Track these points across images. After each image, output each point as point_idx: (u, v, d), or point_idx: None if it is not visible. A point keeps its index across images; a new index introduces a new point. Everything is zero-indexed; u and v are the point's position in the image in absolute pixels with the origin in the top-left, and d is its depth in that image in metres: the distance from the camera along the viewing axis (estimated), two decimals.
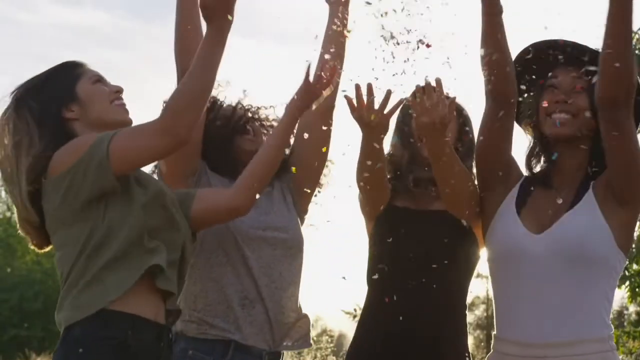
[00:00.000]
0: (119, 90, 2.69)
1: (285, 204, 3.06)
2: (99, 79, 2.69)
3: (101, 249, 2.43)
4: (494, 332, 2.89)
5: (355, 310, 17.50)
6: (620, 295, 11.51)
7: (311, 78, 2.80)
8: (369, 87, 2.77)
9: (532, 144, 2.96)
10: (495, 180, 2.89)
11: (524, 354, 2.72)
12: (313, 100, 2.84)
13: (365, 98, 2.79)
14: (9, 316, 26.91)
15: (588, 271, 2.72)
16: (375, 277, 3.00)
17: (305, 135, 3.03)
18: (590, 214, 2.75)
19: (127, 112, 2.69)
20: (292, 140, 3.05)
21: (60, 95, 2.63)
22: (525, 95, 2.93)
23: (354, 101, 2.80)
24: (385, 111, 2.81)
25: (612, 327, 2.80)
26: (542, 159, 2.94)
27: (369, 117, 2.79)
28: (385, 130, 2.87)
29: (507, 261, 2.81)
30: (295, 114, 2.84)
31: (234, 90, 3.13)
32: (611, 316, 2.82)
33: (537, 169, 2.96)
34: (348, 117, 2.88)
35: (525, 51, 2.95)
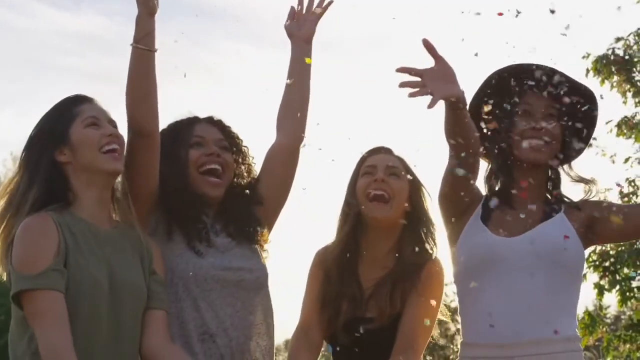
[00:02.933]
0: (112, 134, 2.64)
1: (248, 245, 3.04)
2: (94, 122, 2.63)
3: None
4: (461, 340, 2.94)
5: None
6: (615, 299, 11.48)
7: None
8: None
9: (491, 165, 3.03)
10: (460, 210, 2.96)
11: (496, 354, 2.79)
12: None
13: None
14: (4, 320, 26.89)
15: (562, 274, 2.83)
16: None
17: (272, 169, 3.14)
18: (567, 229, 2.88)
19: (116, 160, 2.63)
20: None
21: (54, 138, 2.62)
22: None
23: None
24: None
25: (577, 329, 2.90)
26: (501, 178, 2.99)
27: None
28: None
29: (480, 264, 2.85)
30: None
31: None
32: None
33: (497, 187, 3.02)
34: None
35: (493, 76, 2.99)
